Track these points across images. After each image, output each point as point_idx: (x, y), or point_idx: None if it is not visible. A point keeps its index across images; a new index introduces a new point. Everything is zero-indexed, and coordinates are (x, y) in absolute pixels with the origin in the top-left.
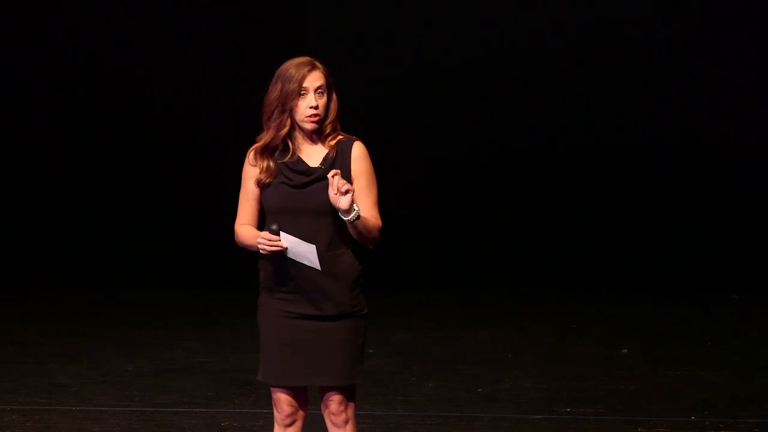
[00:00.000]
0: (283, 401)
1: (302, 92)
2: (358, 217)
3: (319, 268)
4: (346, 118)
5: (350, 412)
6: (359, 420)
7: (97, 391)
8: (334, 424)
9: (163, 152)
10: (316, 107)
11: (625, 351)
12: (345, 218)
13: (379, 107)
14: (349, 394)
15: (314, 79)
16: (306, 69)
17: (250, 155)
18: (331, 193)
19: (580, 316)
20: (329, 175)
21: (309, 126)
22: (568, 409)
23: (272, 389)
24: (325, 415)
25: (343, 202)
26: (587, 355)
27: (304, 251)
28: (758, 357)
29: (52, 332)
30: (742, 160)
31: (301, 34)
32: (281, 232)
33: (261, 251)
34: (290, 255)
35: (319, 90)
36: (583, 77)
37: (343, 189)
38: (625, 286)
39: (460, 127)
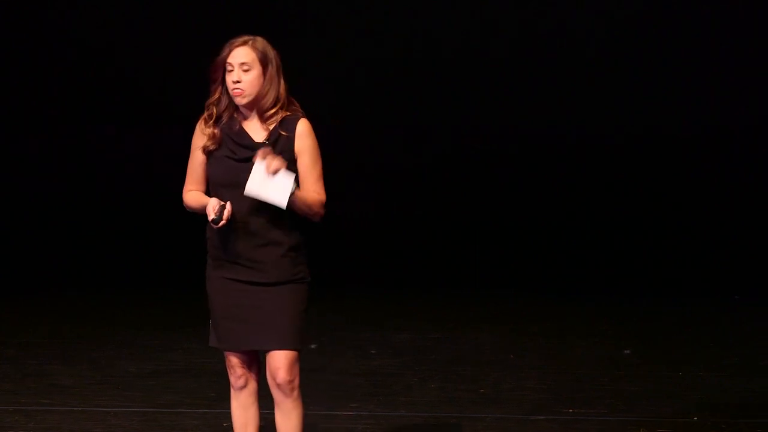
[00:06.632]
0: (235, 365)
1: (228, 68)
2: (293, 192)
3: (284, 207)
4: (336, 114)
5: (295, 380)
6: (361, 420)
7: (99, 391)
8: (280, 391)
9: (164, 152)
10: (238, 82)
11: (628, 352)
12: None
13: (379, 107)
14: (293, 361)
15: (239, 56)
16: (235, 44)
17: (199, 123)
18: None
19: (582, 316)
20: (258, 156)
21: (236, 100)
22: (571, 410)
23: (225, 354)
24: (270, 382)
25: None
26: (589, 356)
27: (276, 183)
28: (759, 357)
29: (54, 333)
30: (743, 161)
31: (300, 28)
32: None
33: (212, 225)
34: (254, 189)
35: (245, 66)
36: (580, 75)
37: (272, 169)
38: (627, 286)
39: (459, 125)
